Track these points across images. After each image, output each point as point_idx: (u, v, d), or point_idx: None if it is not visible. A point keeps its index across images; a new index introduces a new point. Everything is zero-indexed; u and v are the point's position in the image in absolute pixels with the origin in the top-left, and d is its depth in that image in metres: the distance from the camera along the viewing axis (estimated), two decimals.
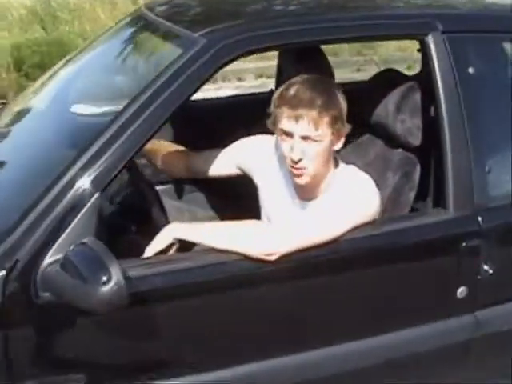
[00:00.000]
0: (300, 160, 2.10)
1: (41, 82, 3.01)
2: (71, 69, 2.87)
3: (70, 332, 1.92)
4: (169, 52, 2.21)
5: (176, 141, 3.45)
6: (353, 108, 2.58)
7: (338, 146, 2.18)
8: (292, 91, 2.10)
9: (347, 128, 2.16)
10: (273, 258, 2.00)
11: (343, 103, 2.14)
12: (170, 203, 3.36)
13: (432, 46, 2.24)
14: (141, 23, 2.63)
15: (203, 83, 2.05)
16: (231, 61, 2.07)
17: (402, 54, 7.06)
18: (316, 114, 2.06)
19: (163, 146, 2.65)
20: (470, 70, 2.26)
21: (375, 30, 2.24)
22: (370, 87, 2.65)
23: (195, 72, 2.02)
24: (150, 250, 2.08)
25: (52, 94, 2.79)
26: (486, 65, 2.34)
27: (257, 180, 2.43)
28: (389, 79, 2.58)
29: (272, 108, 2.14)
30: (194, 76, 2.02)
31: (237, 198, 2.72)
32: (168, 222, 2.25)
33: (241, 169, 2.48)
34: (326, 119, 2.08)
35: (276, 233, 2.03)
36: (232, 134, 2.51)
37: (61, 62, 3.10)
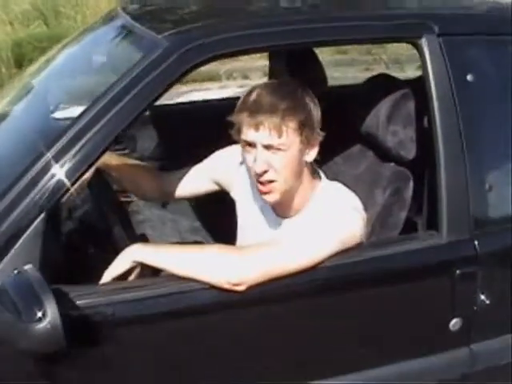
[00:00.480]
0: (265, 172, 1.89)
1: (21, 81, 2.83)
2: (48, 70, 2.67)
3: (11, 366, 1.72)
4: (133, 54, 1.99)
5: (165, 145, 3.29)
6: (344, 115, 2.39)
7: (311, 156, 1.96)
8: (252, 97, 1.90)
9: (320, 136, 1.95)
10: (241, 288, 1.79)
11: (314, 108, 1.93)
12: (152, 212, 3.18)
13: (426, 50, 2.01)
14: (113, 23, 2.42)
15: (167, 89, 1.85)
16: (197, 66, 1.86)
17: (412, 54, 6.79)
18: (278, 120, 1.84)
19: (131, 167, 2.45)
20: (469, 77, 2.03)
21: (360, 32, 2.00)
22: (362, 93, 2.42)
23: (156, 78, 1.82)
24: (108, 275, 1.87)
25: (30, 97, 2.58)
26: (487, 71, 2.09)
27: (233, 194, 2.24)
28: (381, 85, 2.35)
29: (233, 116, 1.93)
30: (155, 82, 1.82)
31: (224, 208, 2.52)
32: (131, 243, 2.04)
33: (217, 183, 2.28)
34: (290, 125, 1.86)
35: (245, 260, 1.81)
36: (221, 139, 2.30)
37: (39, 61, 2.93)
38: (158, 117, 3.29)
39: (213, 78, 7.89)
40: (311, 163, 2.01)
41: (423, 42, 2.01)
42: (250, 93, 1.93)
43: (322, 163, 2.40)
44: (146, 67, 1.83)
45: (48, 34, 7.34)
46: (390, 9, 2.18)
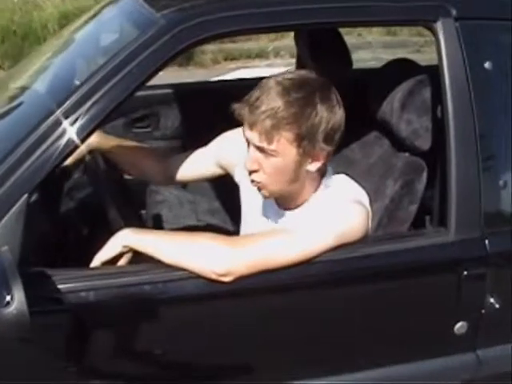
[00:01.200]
0: (255, 171, 1.80)
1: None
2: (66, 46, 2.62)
3: None
4: (133, 32, 1.93)
5: (188, 124, 3.23)
6: (363, 99, 2.27)
7: (314, 167, 1.82)
8: (260, 91, 1.77)
9: (326, 150, 1.80)
10: (227, 279, 1.71)
11: (327, 118, 1.76)
12: (171, 192, 3.13)
13: (441, 35, 1.88)
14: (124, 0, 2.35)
15: (161, 67, 1.76)
16: (194, 45, 1.78)
17: None
18: (269, 127, 1.72)
19: (134, 150, 2.36)
20: (487, 65, 1.90)
21: (370, 13, 1.88)
22: (381, 77, 2.30)
23: (150, 56, 1.74)
24: (97, 259, 1.82)
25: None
26: (507, 60, 1.94)
27: (237, 179, 2.15)
28: (400, 70, 2.23)
29: (236, 106, 1.81)
30: (148, 60, 1.74)
31: None
32: (127, 226, 1.98)
33: (221, 166, 2.20)
34: (284, 134, 1.74)
35: (234, 250, 1.73)
36: None
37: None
38: (181, 95, 3.23)
39: (261, 55, 7.80)
40: None
41: (439, 25, 1.88)
42: (261, 86, 1.80)
43: (337, 149, 2.30)
44: (140, 45, 1.76)
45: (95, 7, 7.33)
46: None
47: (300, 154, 1.77)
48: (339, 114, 1.80)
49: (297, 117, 1.73)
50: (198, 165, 2.23)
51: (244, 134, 1.82)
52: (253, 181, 1.84)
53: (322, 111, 1.76)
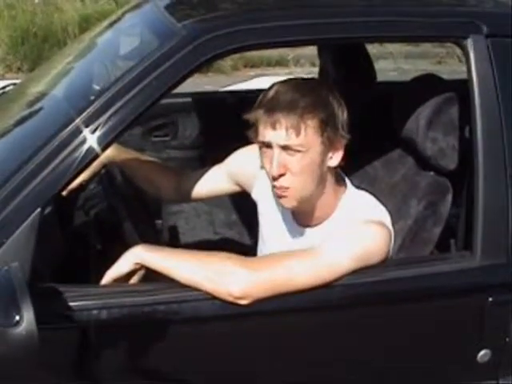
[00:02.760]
0: (281, 176, 1.74)
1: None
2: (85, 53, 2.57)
3: None
4: (153, 42, 1.88)
5: (207, 134, 3.18)
6: (387, 114, 2.22)
7: (335, 160, 1.79)
8: (270, 94, 1.76)
9: (345, 138, 1.77)
10: (244, 302, 1.66)
11: (338, 108, 1.76)
12: (188, 203, 3.07)
13: (472, 52, 1.82)
14: (145, 8, 2.30)
15: (181, 81, 1.71)
16: (217, 57, 1.72)
17: None
18: (296, 118, 1.69)
19: (148, 165, 2.31)
20: None
21: (399, 29, 1.82)
22: (406, 93, 2.24)
23: (170, 67, 1.68)
24: (109, 276, 1.76)
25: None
26: None
27: (254, 196, 2.09)
28: (426, 86, 2.16)
29: (250, 114, 1.78)
30: (168, 71, 1.68)
31: None
32: (143, 241, 1.93)
33: (238, 184, 2.15)
34: (310, 123, 1.71)
35: (251, 273, 1.67)
36: None
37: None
38: (201, 104, 3.19)
39: (281, 63, 7.76)
40: (336, 169, 1.85)
41: (469, 42, 1.82)
42: (269, 89, 1.78)
43: (360, 165, 2.25)
44: (161, 56, 1.71)
45: (115, 11, 7.30)
46: (436, 5, 1.98)
47: (324, 143, 1.74)
48: (344, 107, 1.79)
49: (315, 104, 1.72)
50: (214, 182, 2.18)
51: (263, 139, 1.76)
52: (280, 188, 1.77)
53: (333, 101, 1.77)
